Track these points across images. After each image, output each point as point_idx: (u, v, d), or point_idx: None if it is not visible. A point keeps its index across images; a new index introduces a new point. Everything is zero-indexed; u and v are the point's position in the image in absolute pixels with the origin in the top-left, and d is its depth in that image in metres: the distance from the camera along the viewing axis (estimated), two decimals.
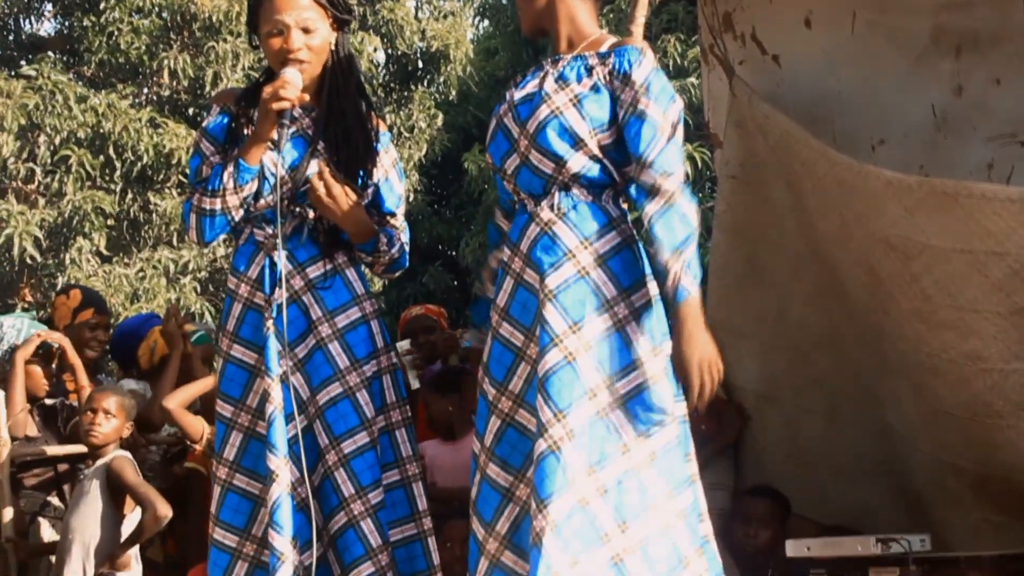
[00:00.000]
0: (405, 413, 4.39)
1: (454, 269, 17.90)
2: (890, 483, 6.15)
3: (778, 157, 5.93)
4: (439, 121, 16.63)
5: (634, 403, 3.73)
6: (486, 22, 19.95)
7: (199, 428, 6.03)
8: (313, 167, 4.22)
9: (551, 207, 3.86)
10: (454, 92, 17.28)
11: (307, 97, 4.24)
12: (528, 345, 3.82)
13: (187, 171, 13.29)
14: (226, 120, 4.33)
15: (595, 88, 3.88)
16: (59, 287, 13.46)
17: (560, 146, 3.83)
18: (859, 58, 6.41)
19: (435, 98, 17.17)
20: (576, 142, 3.84)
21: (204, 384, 6.12)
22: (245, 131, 4.27)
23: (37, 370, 6.17)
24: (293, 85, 4.14)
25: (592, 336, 3.74)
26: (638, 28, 5.18)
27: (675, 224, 3.73)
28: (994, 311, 4.91)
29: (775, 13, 6.69)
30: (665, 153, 3.78)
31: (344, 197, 4.21)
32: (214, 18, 14.19)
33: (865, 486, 6.22)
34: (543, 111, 3.85)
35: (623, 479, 3.68)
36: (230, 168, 4.15)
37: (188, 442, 6.11)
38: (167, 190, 14.43)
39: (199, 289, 14.65)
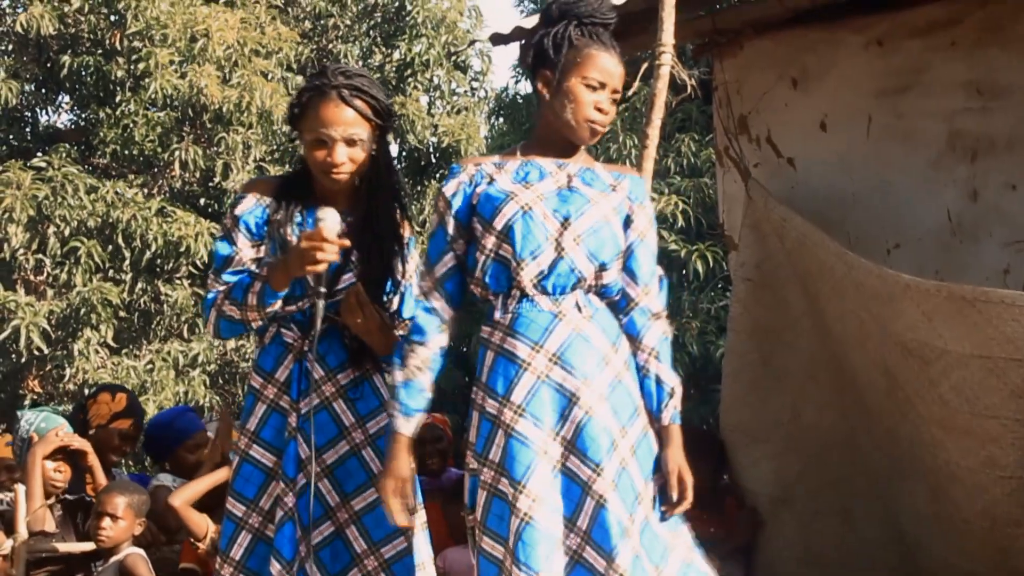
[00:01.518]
0: (422, 518, 4.38)
1: (465, 366, 17.84)
2: None
3: (794, 259, 5.92)
4: None
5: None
6: (500, 120, 20.04)
7: (204, 527, 5.97)
8: (345, 276, 4.23)
9: (576, 307, 3.90)
10: None
11: (348, 243, 4.16)
12: (550, 445, 3.81)
13: (197, 262, 13.48)
14: (262, 214, 4.29)
15: (619, 206, 3.99)
16: (66, 379, 13.48)
17: (606, 253, 3.92)
18: (874, 162, 6.43)
19: None
20: (618, 252, 3.95)
21: (211, 480, 6.06)
22: (280, 230, 4.24)
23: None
24: (330, 241, 4.05)
25: (635, 439, 3.88)
26: (654, 129, 5.18)
27: (670, 353, 4.02)
28: (1012, 418, 4.87)
29: (790, 116, 6.73)
30: (660, 286, 4.05)
31: (375, 318, 4.21)
32: (224, 108, 14.25)
33: None
34: (593, 214, 3.92)
35: None
36: (256, 288, 4.12)
37: (191, 540, 6.04)
38: (177, 280, 14.43)
39: (208, 382, 14.60)
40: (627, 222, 3.99)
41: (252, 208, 4.30)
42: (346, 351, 4.26)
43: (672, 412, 3.98)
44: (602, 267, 3.90)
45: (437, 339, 3.97)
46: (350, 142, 4.19)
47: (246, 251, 4.24)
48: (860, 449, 6.02)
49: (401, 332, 4.34)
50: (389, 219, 4.34)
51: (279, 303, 4.17)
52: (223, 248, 4.31)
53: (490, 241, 3.91)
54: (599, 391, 3.81)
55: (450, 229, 4.00)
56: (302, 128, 4.26)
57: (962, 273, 5.97)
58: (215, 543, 5.81)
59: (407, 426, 3.94)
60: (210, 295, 4.27)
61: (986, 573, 5.46)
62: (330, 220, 4.10)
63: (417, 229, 16.30)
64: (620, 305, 4.02)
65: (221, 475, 5.97)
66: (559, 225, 3.88)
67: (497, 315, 3.93)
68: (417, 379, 3.96)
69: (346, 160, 4.18)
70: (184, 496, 5.95)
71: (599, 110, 3.97)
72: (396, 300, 4.38)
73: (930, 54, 6.31)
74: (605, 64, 3.97)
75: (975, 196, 6.21)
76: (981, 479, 5.08)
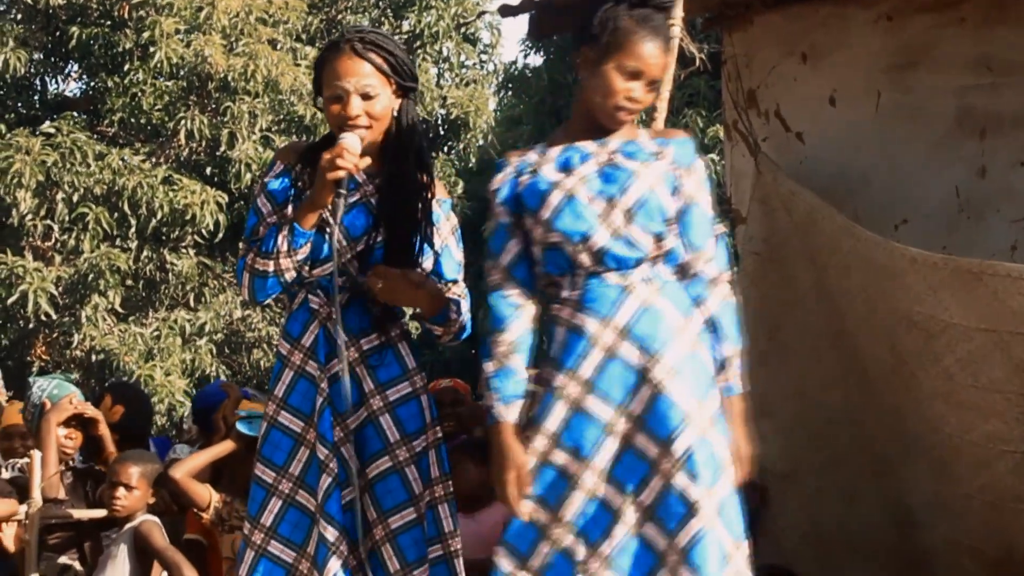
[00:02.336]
0: (448, 488, 4.34)
1: (472, 339, 17.83)
2: (908, 565, 6.09)
3: (802, 233, 5.92)
4: (459, 189, 16.65)
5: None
6: (509, 92, 20.03)
7: (206, 496, 5.97)
8: (371, 236, 4.21)
9: (644, 280, 3.86)
10: (474, 160, 17.30)
11: (368, 161, 4.19)
12: (618, 420, 3.79)
13: (203, 231, 13.51)
14: (287, 179, 4.29)
15: (665, 174, 3.90)
16: (74, 345, 13.53)
17: (656, 224, 3.85)
18: (883, 138, 6.43)
19: (456, 166, 17.19)
20: (667, 220, 3.88)
21: (214, 452, 6.07)
22: (305, 191, 4.22)
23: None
24: (351, 152, 4.07)
25: (713, 411, 3.83)
26: (662, 103, 5.17)
27: (734, 318, 3.94)
28: (1017, 392, 4.87)
29: (800, 91, 6.73)
30: (718, 247, 3.93)
31: (405, 282, 4.19)
32: (229, 77, 14.25)
33: (882, 568, 6.16)
34: (639, 187, 3.86)
35: None
36: (284, 231, 4.10)
37: (195, 511, 6.06)
38: (183, 249, 14.46)
39: (215, 351, 14.65)
40: (676, 188, 3.91)
41: (279, 174, 4.30)
42: (369, 317, 4.25)
43: (725, 384, 3.92)
44: (659, 237, 3.85)
45: (517, 324, 3.92)
46: (365, 96, 4.15)
47: (271, 219, 4.23)
48: (864, 426, 6.02)
49: (449, 295, 4.37)
50: (414, 180, 4.30)
51: (307, 248, 4.13)
52: (251, 217, 4.31)
53: (539, 231, 3.90)
54: (671, 365, 3.76)
55: (504, 220, 3.98)
56: (322, 91, 4.24)
57: (969, 250, 5.95)
58: (219, 513, 5.84)
59: (509, 412, 3.88)
60: (241, 260, 4.26)
61: (989, 550, 5.47)
62: (349, 138, 4.10)
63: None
64: (682, 273, 3.97)
65: (224, 447, 5.99)
66: (606, 204, 3.85)
67: (565, 293, 3.91)
68: (507, 365, 3.90)
69: (361, 113, 4.14)
70: (185, 468, 5.96)
71: (630, 99, 3.89)
72: (430, 261, 4.35)
73: (939, 30, 6.31)
74: (646, 52, 3.86)
75: (983, 173, 6.22)
76: (984, 453, 5.08)
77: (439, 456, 4.32)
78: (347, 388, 4.12)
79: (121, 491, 5.76)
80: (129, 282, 14.16)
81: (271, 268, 4.13)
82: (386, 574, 4.14)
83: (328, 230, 4.15)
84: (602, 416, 3.78)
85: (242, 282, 4.25)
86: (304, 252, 4.14)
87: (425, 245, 4.32)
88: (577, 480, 3.78)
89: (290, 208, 4.23)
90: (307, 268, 4.21)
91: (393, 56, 4.22)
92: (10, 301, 13.28)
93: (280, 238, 4.10)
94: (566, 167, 3.94)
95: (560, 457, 3.80)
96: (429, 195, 4.34)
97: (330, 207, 4.13)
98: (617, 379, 3.79)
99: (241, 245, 4.29)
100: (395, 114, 4.26)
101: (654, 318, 3.81)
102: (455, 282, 4.43)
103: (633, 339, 3.79)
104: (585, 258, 3.85)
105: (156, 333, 14.11)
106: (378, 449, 4.19)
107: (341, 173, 4.06)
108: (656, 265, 3.88)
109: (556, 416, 3.81)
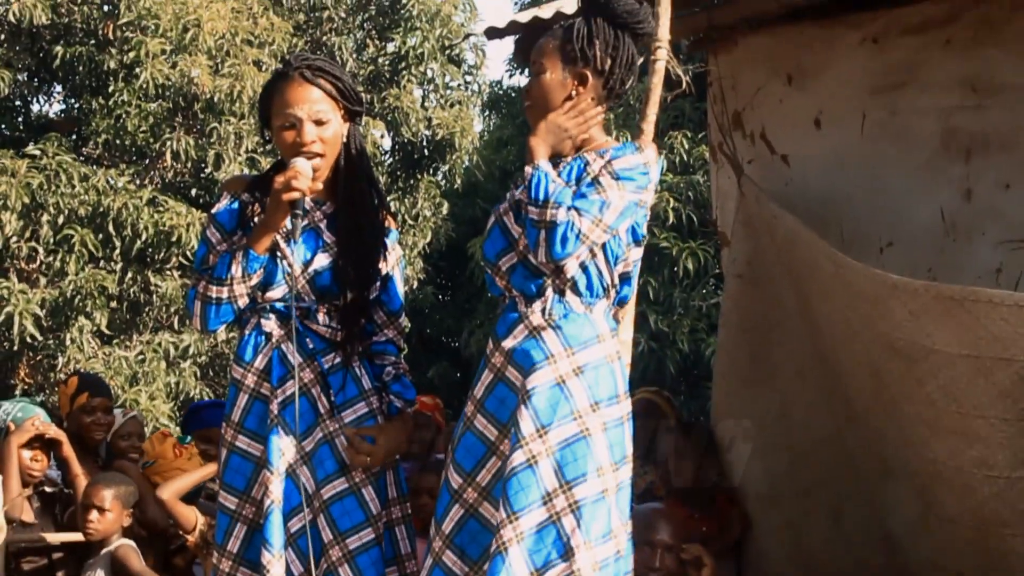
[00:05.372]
0: (406, 510, 4.35)
1: (457, 361, 17.85)
2: None
3: (785, 257, 5.91)
4: (444, 210, 16.67)
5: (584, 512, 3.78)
6: (494, 113, 20.05)
7: (192, 518, 5.96)
8: (322, 260, 4.20)
9: (543, 311, 3.88)
10: (459, 181, 17.32)
11: (319, 187, 4.24)
12: (502, 441, 3.85)
13: (188, 252, 13.49)
14: (236, 207, 4.31)
15: (590, 184, 3.86)
16: (59, 368, 13.48)
17: None
18: (868, 159, 6.42)
19: (441, 187, 17.21)
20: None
21: (201, 474, 6.05)
22: (255, 220, 4.24)
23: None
24: (304, 175, 4.10)
25: (556, 442, 3.78)
26: (648, 125, 5.15)
27: None
28: (1000, 417, 4.85)
29: (785, 113, 6.72)
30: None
31: (383, 448, 4.22)
32: (215, 98, 14.24)
33: None
34: None
35: None
36: (238, 257, 4.12)
37: (180, 532, 6.03)
38: (168, 271, 14.43)
39: (199, 374, 14.61)
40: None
41: (226, 205, 4.32)
42: (324, 340, 4.25)
43: None
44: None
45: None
46: (318, 122, 4.19)
47: (221, 247, 4.24)
48: (848, 448, 6.01)
49: (389, 332, 4.42)
50: (366, 206, 4.33)
51: (260, 273, 4.15)
52: (201, 249, 4.33)
53: None
54: (526, 388, 3.85)
55: None
56: (272, 120, 4.28)
57: (955, 272, 5.95)
58: (204, 535, 5.80)
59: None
60: (192, 290, 4.26)
61: (973, 574, 5.45)
62: (302, 162, 4.13)
63: (410, 222, 16.36)
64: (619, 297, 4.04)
65: (211, 470, 5.96)
66: (520, 229, 3.96)
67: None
68: None
69: (316, 139, 4.18)
70: (173, 489, 5.95)
71: None
72: (378, 288, 4.35)
73: (925, 52, 6.29)
74: None
75: (969, 195, 6.20)
76: (969, 479, 5.06)
77: (396, 477, 4.33)
78: (297, 411, 4.12)
79: (94, 514, 5.72)
80: (113, 304, 14.12)
81: (225, 295, 4.14)
82: (321, 544, 4.13)
83: (279, 254, 4.18)
84: (488, 436, 3.96)
85: (193, 311, 4.25)
86: (258, 277, 4.16)
87: (377, 272, 4.33)
88: (460, 496, 3.94)
89: (237, 238, 4.24)
90: (259, 293, 4.21)
91: (340, 81, 4.27)
92: None
93: (234, 264, 4.11)
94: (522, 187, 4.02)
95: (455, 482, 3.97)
96: (382, 220, 4.37)
97: (285, 229, 4.15)
98: (502, 400, 3.94)
99: (192, 277, 4.28)
100: (344, 139, 4.30)
101: (535, 343, 3.90)
102: (398, 315, 4.44)
103: (514, 362, 3.92)
104: (501, 282, 4.04)
105: (140, 357, 14.08)
106: (334, 470, 4.17)
107: (296, 194, 4.08)
108: (564, 296, 3.91)
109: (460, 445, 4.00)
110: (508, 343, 3.90)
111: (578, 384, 3.82)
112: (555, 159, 3.98)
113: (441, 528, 3.92)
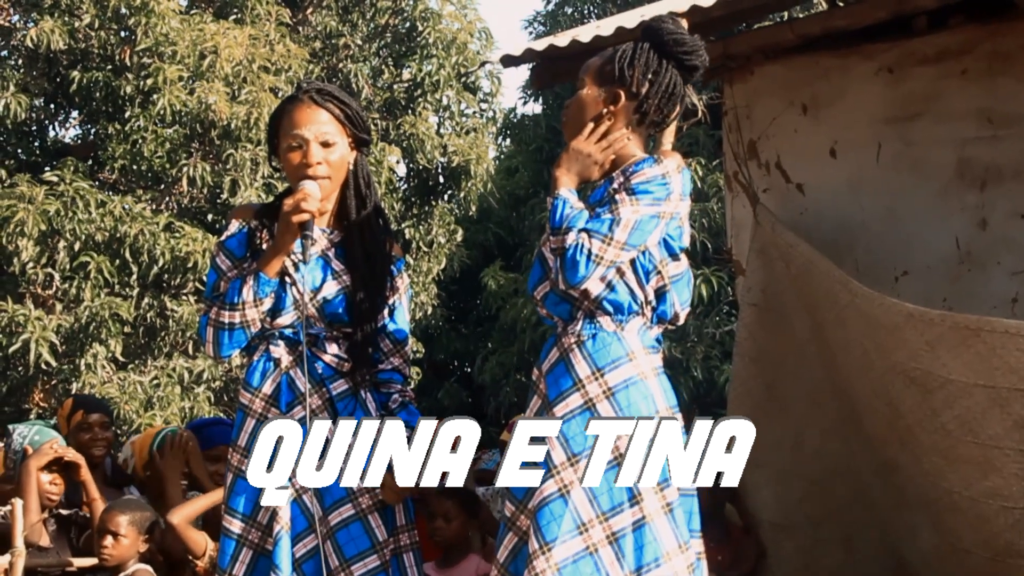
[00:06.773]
0: (414, 537, 4.32)
1: (469, 386, 17.85)
2: None
3: (800, 286, 5.91)
4: (459, 236, 16.68)
5: (625, 541, 3.69)
6: (508, 140, 20.08)
7: (202, 544, 5.93)
8: (331, 288, 4.21)
9: (574, 333, 3.83)
10: (474, 208, 17.34)
11: (328, 207, 4.25)
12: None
13: (204, 277, 13.52)
14: (244, 234, 4.31)
15: (605, 204, 3.82)
16: (73, 392, 13.50)
17: None
18: (884, 189, 6.43)
19: (455, 214, 17.24)
20: None
21: (213, 498, 6.03)
22: (263, 246, 4.25)
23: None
24: (313, 197, 4.10)
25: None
26: (668, 137, 5.19)
27: None
28: (1016, 448, 4.86)
29: (800, 142, 6.72)
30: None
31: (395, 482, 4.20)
32: (232, 125, 14.29)
33: None
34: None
35: None
36: (250, 281, 4.12)
37: (190, 558, 6.01)
38: (183, 296, 14.46)
39: (212, 399, 14.62)
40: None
41: (235, 233, 4.32)
42: (331, 368, 4.24)
43: None
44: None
45: None
46: (324, 144, 4.19)
47: (231, 274, 4.24)
48: (861, 477, 6.00)
49: (395, 359, 4.39)
50: (373, 234, 4.33)
51: (272, 297, 4.15)
52: (211, 277, 4.33)
53: None
54: (555, 416, 3.83)
55: None
56: (280, 142, 4.28)
57: (970, 301, 5.96)
58: (213, 560, 5.79)
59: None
60: (204, 317, 4.26)
61: None
62: (310, 184, 4.13)
63: (425, 248, 16.39)
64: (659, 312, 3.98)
65: (220, 495, 5.95)
66: (552, 257, 3.92)
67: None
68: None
69: (322, 160, 4.18)
70: (183, 513, 5.92)
71: None
72: (385, 316, 4.34)
73: (941, 82, 6.31)
74: None
75: (984, 224, 6.21)
76: (983, 509, 5.06)
77: (405, 504, 4.30)
78: (308, 433, 4.10)
79: (109, 539, 5.69)
80: (128, 329, 14.14)
81: (237, 319, 4.14)
82: (327, 571, 4.10)
83: (288, 280, 4.19)
84: None
85: (205, 338, 4.23)
86: (269, 302, 4.16)
87: (384, 300, 4.33)
88: (513, 524, 3.86)
89: (247, 265, 4.24)
90: (268, 319, 4.20)
91: (349, 107, 4.28)
92: (11, 350, 13.27)
93: (245, 289, 4.11)
94: None
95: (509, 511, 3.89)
96: (389, 248, 4.37)
97: (296, 255, 4.16)
98: None
99: (203, 304, 4.27)
100: (351, 168, 4.30)
101: (563, 368, 3.88)
102: (404, 343, 4.43)
103: (548, 387, 3.90)
104: (542, 311, 4.04)
105: (156, 382, 14.09)
106: (340, 496, 4.15)
107: (305, 216, 4.07)
108: (595, 317, 3.87)
109: None
110: (544, 366, 3.88)
111: (608, 408, 3.75)
112: (585, 185, 3.99)
113: (496, 556, 3.87)
